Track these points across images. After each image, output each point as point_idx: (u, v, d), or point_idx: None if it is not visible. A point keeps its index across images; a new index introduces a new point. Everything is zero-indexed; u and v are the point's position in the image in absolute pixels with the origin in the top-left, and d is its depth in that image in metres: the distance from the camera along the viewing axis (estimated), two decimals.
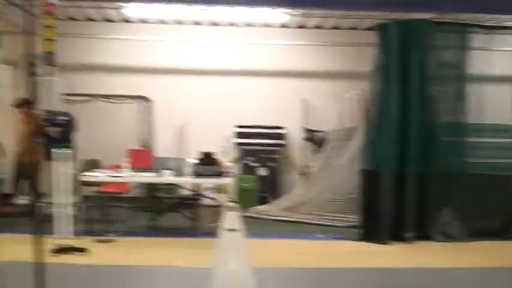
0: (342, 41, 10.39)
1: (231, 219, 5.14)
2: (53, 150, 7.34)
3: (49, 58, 3.45)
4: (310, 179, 9.56)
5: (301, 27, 10.49)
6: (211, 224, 8.09)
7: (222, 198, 8.59)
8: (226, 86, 10.60)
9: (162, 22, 10.36)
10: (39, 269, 3.46)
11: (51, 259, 6.14)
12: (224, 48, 10.48)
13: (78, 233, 6.99)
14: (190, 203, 8.48)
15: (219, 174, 7.52)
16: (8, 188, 9.13)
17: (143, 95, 10.39)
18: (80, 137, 8.08)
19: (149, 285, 5.63)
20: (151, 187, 8.46)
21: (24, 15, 3.28)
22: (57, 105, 3.82)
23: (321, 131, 10.16)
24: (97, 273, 5.86)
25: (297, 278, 5.91)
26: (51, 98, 3.69)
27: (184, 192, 8.84)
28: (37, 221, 7.43)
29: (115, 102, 10.30)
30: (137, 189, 9.00)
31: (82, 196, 7.95)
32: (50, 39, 3.48)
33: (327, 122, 9.93)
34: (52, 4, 3.40)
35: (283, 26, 10.37)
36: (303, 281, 5.84)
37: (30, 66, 3.14)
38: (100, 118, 10.23)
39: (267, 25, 10.36)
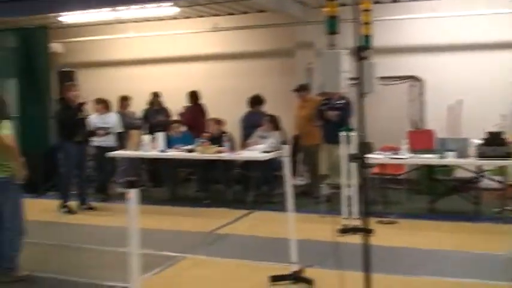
0: None
1: None
2: (333, 133, 7.63)
3: (367, 41, 3.52)
4: None
5: None
6: (496, 209, 7.63)
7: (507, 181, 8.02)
8: (502, 60, 9.80)
9: None
10: (365, 249, 3.55)
11: (339, 239, 6.39)
12: (501, 20, 9.66)
13: (360, 214, 7.12)
14: (471, 185, 8.06)
15: (508, 156, 6.99)
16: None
17: (414, 74, 10.18)
18: (356, 119, 8.23)
19: (442, 269, 5.47)
20: (429, 169, 8.22)
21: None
22: (374, 88, 3.89)
23: None
24: (387, 255, 5.88)
25: None
26: (370, 80, 3.76)
27: (463, 174, 8.42)
28: (319, 202, 7.86)
29: (386, 84, 10.25)
30: (413, 171, 8.84)
31: (363, 178, 8.05)
32: (367, 23, 3.55)
33: None
34: None
35: None
36: None
37: (359, 51, 3.21)
38: (372, 100, 10.24)
39: None
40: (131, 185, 3.10)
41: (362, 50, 3.26)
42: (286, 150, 5.14)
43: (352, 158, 5.51)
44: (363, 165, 3.65)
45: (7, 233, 5.40)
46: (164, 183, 9.80)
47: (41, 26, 10.43)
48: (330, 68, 3.42)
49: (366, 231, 6.15)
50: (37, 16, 10.22)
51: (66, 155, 8.55)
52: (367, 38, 3.55)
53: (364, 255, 3.56)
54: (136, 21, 11.56)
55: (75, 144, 8.46)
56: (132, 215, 3.08)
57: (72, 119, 8.41)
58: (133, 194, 3.06)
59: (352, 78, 3.57)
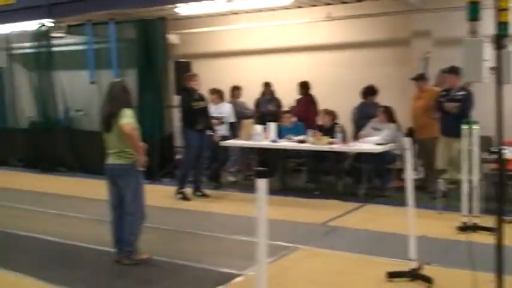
0: None
1: None
2: (452, 125, 7.30)
3: (504, 29, 3.28)
4: None
5: None
6: None
7: None
8: None
9: None
10: (498, 248, 3.34)
11: (458, 237, 6.12)
12: None
13: (482, 212, 6.76)
14: None
15: None
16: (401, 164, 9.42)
17: None
18: (476, 112, 7.83)
19: None
20: None
21: None
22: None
23: None
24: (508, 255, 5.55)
25: None
26: (509, 70, 3.51)
27: None
28: (435, 197, 7.55)
29: None
30: None
31: (483, 174, 7.67)
32: (505, 9, 3.31)
33: None
34: None
35: None
36: None
37: (497, 39, 3.01)
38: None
39: None
40: (261, 174, 3.09)
41: (501, 38, 3.03)
42: (407, 142, 4.95)
43: (491, 153, 5.24)
44: (500, 161, 3.39)
45: (128, 217, 5.63)
46: (274, 173, 9.84)
47: (159, 17, 10.76)
48: (471, 56, 3.22)
49: (494, 230, 5.82)
50: (155, 8, 10.57)
51: (187, 143, 8.80)
52: (504, 25, 3.30)
53: (496, 255, 3.35)
54: (248, 12, 11.65)
55: (196, 133, 8.68)
56: (261, 205, 3.07)
57: (193, 108, 8.63)
58: (263, 183, 3.05)
59: (491, 68, 3.35)
